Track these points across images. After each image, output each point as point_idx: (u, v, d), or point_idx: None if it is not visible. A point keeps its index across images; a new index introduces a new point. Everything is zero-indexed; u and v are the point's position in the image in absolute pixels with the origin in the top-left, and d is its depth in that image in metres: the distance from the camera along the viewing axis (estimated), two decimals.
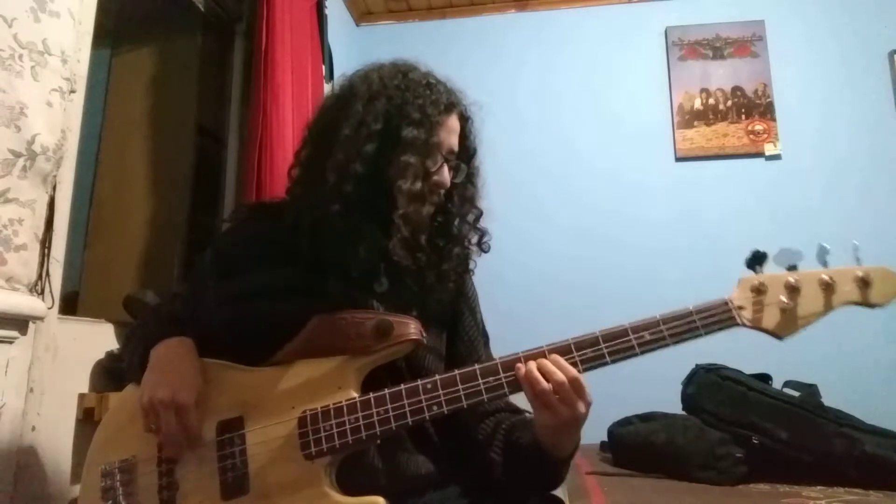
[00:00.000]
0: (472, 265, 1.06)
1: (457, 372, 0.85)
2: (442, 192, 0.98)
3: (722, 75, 3.04)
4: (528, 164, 3.05)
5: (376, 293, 0.93)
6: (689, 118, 3.03)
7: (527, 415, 0.95)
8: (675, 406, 1.91)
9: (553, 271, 2.94)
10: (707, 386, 1.81)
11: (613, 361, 0.84)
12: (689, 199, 2.94)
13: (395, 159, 0.92)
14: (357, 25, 3.38)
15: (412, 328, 0.87)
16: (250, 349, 0.90)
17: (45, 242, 1.24)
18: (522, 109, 3.10)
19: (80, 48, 1.37)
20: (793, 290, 0.85)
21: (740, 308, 0.86)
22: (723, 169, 2.96)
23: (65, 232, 1.35)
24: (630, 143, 3.04)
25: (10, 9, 1.13)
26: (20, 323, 1.21)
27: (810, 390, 1.77)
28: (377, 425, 0.83)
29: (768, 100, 2.98)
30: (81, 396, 1.42)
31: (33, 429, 1.24)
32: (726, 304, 0.86)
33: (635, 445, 1.83)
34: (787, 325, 0.85)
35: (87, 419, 1.38)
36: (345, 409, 0.84)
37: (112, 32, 2.13)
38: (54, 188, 1.27)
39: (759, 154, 2.94)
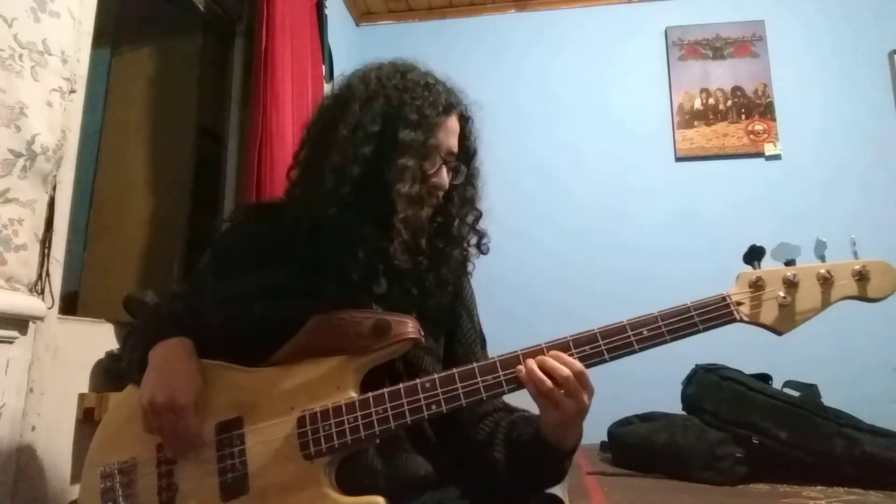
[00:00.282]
0: (470, 267, 1.06)
1: (455, 371, 0.85)
2: (440, 193, 0.97)
3: (722, 75, 3.04)
4: (527, 163, 3.05)
5: (375, 295, 0.93)
6: (689, 118, 3.03)
7: (525, 413, 0.95)
8: (675, 406, 1.91)
9: (552, 270, 2.94)
10: (707, 386, 1.81)
11: (612, 358, 0.84)
12: (688, 199, 2.94)
13: (393, 162, 0.91)
14: (357, 25, 3.39)
15: (410, 327, 0.87)
16: (249, 349, 0.90)
17: (45, 242, 1.24)
18: (522, 109, 3.10)
19: (80, 48, 1.37)
20: (791, 285, 0.85)
21: (738, 304, 0.86)
22: (723, 169, 2.96)
23: (65, 232, 1.35)
24: (630, 142, 3.04)
25: (10, 9, 1.13)
26: (20, 323, 1.21)
27: (810, 390, 1.77)
28: (376, 425, 0.83)
29: (768, 100, 2.98)
30: (81, 396, 1.42)
31: (33, 429, 1.24)
32: (724, 299, 0.86)
33: (635, 445, 1.83)
34: (786, 320, 0.85)
35: (87, 419, 1.38)
36: (344, 408, 0.84)
37: (112, 32, 2.13)
38: (54, 188, 1.27)
39: (759, 154, 2.94)
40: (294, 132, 2.15)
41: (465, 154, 1.02)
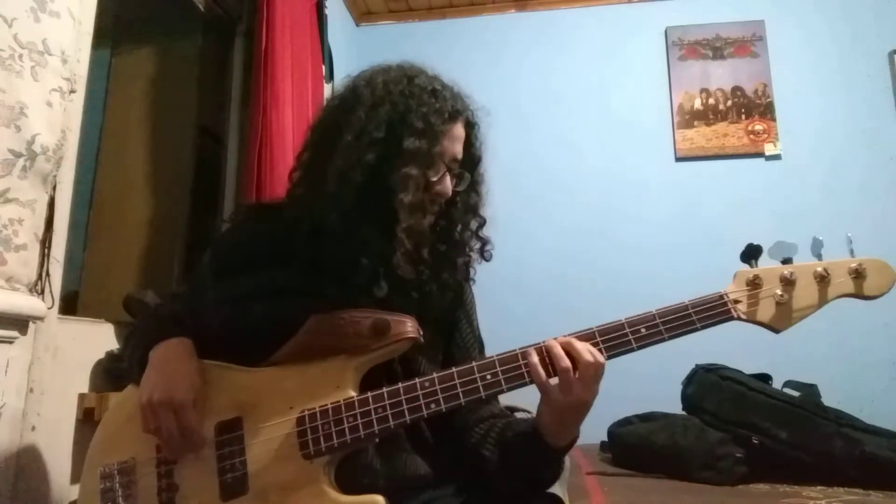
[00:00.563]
0: (472, 273, 1.05)
1: (454, 369, 0.85)
2: (443, 201, 0.97)
3: (722, 75, 3.04)
4: (528, 163, 3.05)
5: (376, 298, 0.93)
6: (689, 118, 3.03)
7: (523, 414, 0.95)
8: (675, 406, 1.91)
9: (552, 270, 2.94)
10: (707, 386, 1.81)
11: (610, 357, 0.84)
12: (689, 199, 2.94)
13: (397, 169, 0.90)
14: (357, 25, 3.39)
15: (409, 326, 0.87)
16: (249, 349, 0.90)
17: (45, 242, 1.24)
18: (523, 109, 3.10)
19: (80, 48, 1.37)
20: (788, 283, 0.85)
21: (736, 301, 0.86)
22: (723, 169, 2.96)
23: (65, 232, 1.35)
24: (630, 142, 3.04)
25: (10, 9, 1.13)
26: (20, 323, 1.21)
27: (810, 390, 1.77)
28: (375, 424, 0.83)
29: (768, 100, 2.98)
30: (81, 396, 1.42)
31: (33, 429, 1.24)
32: (722, 297, 0.86)
33: (635, 445, 1.83)
34: (783, 317, 0.85)
35: (87, 419, 1.38)
36: (343, 408, 0.84)
37: (112, 32, 2.13)
38: (54, 188, 1.27)
39: (759, 154, 2.94)
40: (294, 132, 2.15)
41: (470, 160, 1.01)
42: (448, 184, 0.96)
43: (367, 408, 0.84)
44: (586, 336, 0.85)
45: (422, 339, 0.88)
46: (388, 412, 0.83)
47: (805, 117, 2.94)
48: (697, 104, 3.04)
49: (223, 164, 2.33)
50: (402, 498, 0.86)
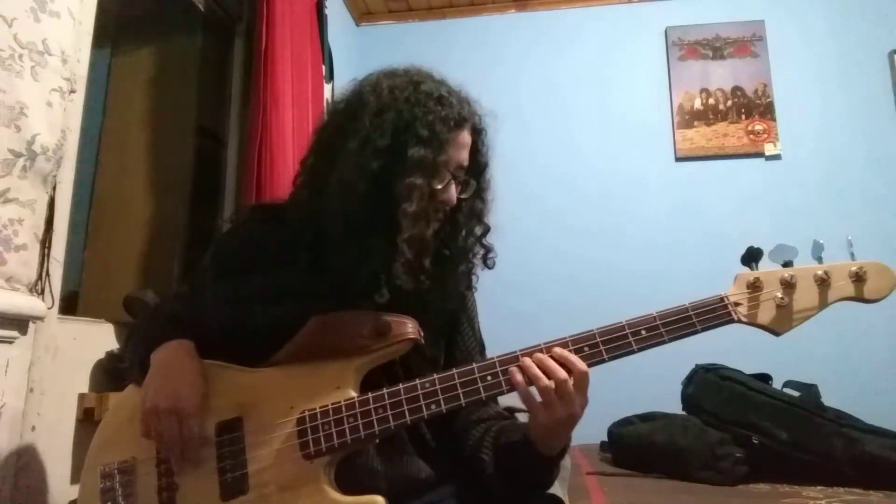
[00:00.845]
0: (474, 280, 1.04)
1: (455, 371, 0.85)
2: (447, 208, 0.95)
3: (722, 75, 3.04)
4: (528, 162, 3.05)
5: (377, 304, 0.91)
6: (689, 118, 3.03)
7: (522, 415, 0.95)
8: (675, 406, 1.91)
9: (553, 269, 2.94)
10: (707, 386, 1.81)
11: (611, 359, 0.84)
12: (689, 199, 2.94)
13: (401, 178, 0.89)
14: (357, 25, 3.39)
15: (410, 327, 0.87)
16: (249, 350, 0.90)
17: (45, 242, 1.24)
18: (522, 109, 3.10)
19: (80, 48, 1.37)
20: (788, 286, 0.86)
21: (736, 304, 0.86)
22: (723, 169, 2.96)
23: (65, 232, 1.35)
24: (630, 142, 3.04)
25: (10, 9, 1.13)
26: (20, 323, 1.21)
27: (810, 390, 1.77)
28: (376, 425, 0.83)
29: (768, 100, 2.98)
30: (81, 396, 1.42)
31: (33, 429, 1.25)
32: (722, 300, 0.86)
33: (635, 445, 1.82)
34: (784, 320, 0.86)
35: (87, 419, 1.38)
36: (343, 409, 0.84)
37: (112, 32, 2.13)
38: (54, 188, 1.27)
39: (759, 154, 2.94)
40: (294, 132, 2.15)
41: (476, 167, 1.00)
42: (453, 192, 0.94)
43: (368, 408, 0.84)
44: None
45: (422, 341, 0.89)
46: (389, 413, 0.83)
47: (805, 117, 2.93)
48: (697, 104, 3.04)
49: (223, 164, 2.33)
50: (402, 499, 0.86)
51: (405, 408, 0.83)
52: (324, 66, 2.54)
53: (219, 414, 0.88)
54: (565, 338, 0.85)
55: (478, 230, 1.01)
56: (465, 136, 0.96)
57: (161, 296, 1.65)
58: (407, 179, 0.88)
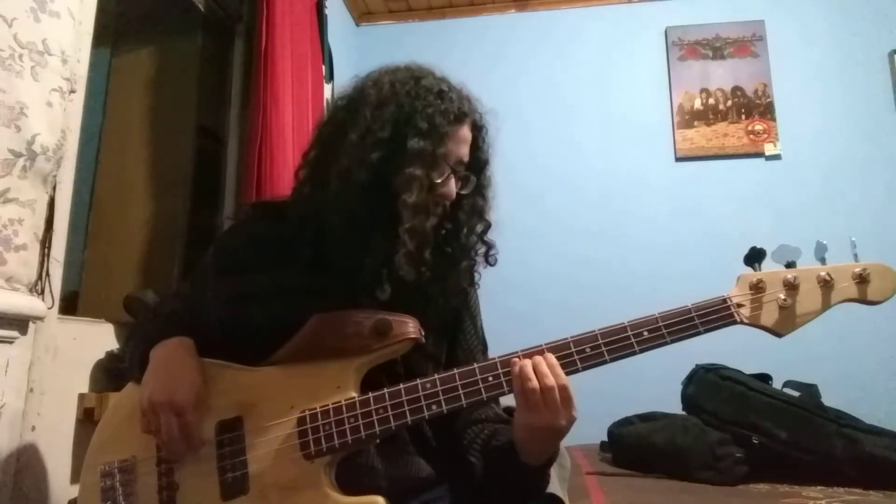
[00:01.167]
0: (476, 277, 1.05)
1: (456, 371, 0.85)
2: (447, 203, 0.96)
3: (722, 75, 3.04)
4: (529, 162, 3.05)
5: (379, 300, 0.92)
6: (689, 118, 3.03)
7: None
8: (675, 406, 1.91)
9: (554, 269, 2.94)
10: (707, 386, 1.81)
11: (612, 360, 0.84)
12: (689, 200, 2.94)
13: (401, 170, 0.90)
14: (357, 25, 3.39)
15: (411, 327, 0.87)
16: (249, 348, 0.90)
17: (45, 242, 1.24)
18: (523, 109, 3.10)
19: (80, 48, 1.37)
20: (791, 288, 0.85)
21: (739, 306, 0.86)
22: (723, 169, 2.96)
23: (65, 232, 1.35)
24: (630, 142, 3.04)
25: (10, 9, 1.13)
26: (20, 323, 1.21)
27: (810, 390, 1.76)
28: (376, 425, 0.83)
29: (768, 100, 2.98)
30: (81, 396, 1.42)
31: (33, 429, 1.25)
32: (725, 301, 0.86)
33: (635, 445, 1.82)
34: (786, 322, 0.85)
35: (87, 419, 1.38)
36: (344, 408, 0.84)
37: (112, 32, 2.13)
38: (54, 188, 1.27)
39: (759, 154, 2.94)
40: (294, 132, 2.15)
41: (476, 164, 1.00)
42: (452, 186, 0.95)
43: (369, 408, 0.84)
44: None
45: (423, 340, 0.88)
46: (390, 413, 0.83)
47: (805, 117, 2.93)
48: (697, 104, 3.04)
49: (223, 164, 2.33)
50: (403, 499, 0.86)
51: (406, 408, 0.83)
52: (324, 66, 2.53)
53: (219, 413, 0.88)
54: (567, 338, 0.85)
55: (479, 227, 1.02)
56: (465, 132, 0.96)
57: (161, 296, 1.65)
58: (406, 170, 0.89)
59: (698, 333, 0.85)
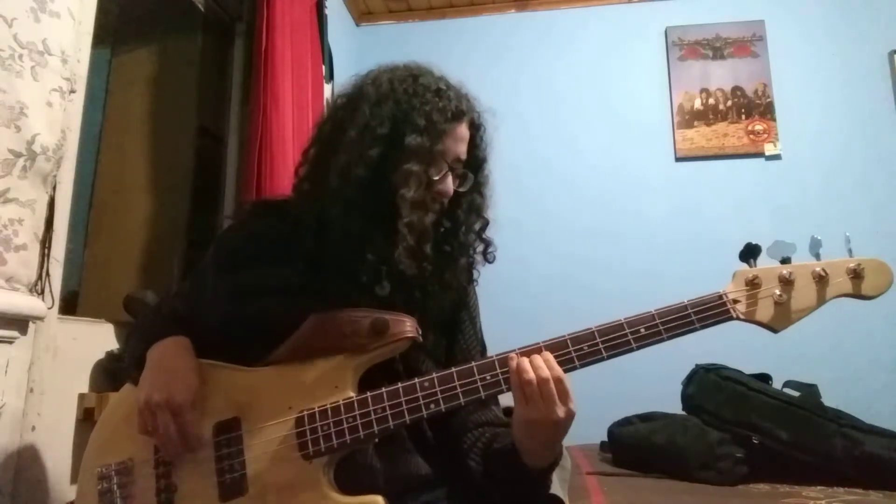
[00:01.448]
0: (475, 275, 1.06)
1: (454, 370, 0.85)
2: (445, 200, 0.97)
3: (722, 75, 3.04)
4: (529, 162, 3.05)
5: (378, 297, 0.92)
6: (689, 118, 3.03)
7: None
8: (675, 406, 1.91)
9: (553, 269, 2.94)
10: (707, 386, 1.81)
11: (609, 357, 0.84)
12: (689, 199, 2.94)
13: (399, 166, 0.91)
14: (357, 25, 3.39)
15: (408, 326, 0.87)
16: (249, 347, 0.90)
17: (45, 242, 1.24)
18: (523, 109, 3.10)
19: (80, 48, 1.37)
20: (786, 283, 0.86)
21: (735, 301, 0.86)
22: (723, 169, 2.95)
23: (65, 232, 1.35)
24: (630, 142, 3.04)
25: (10, 9, 1.13)
26: (20, 323, 1.21)
27: (810, 390, 1.76)
28: (375, 424, 0.83)
29: (768, 100, 2.98)
30: (81, 396, 1.42)
31: (33, 429, 1.25)
32: (721, 297, 0.86)
33: (635, 445, 1.82)
34: (782, 317, 0.86)
35: (87, 419, 1.38)
36: (342, 408, 0.84)
37: (112, 32, 2.13)
38: (54, 188, 1.27)
39: (759, 154, 2.94)
40: (294, 132, 2.15)
41: (474, 162, 1.02)
42: (450, 183, 0.96)
43: (367, 408, 0.84)
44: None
45: (421, 339, 0.88)
46: (388, 412, 0.83)
47: (805, 117, 2.93)
48: (697, 104, 3.03)
49: (223, 164, 2.33)
50: (402, 498, 0.86)
51: (404, 407, 0.83)
52: (324, 66, 2.54)
53: (216, 414, 0.88)
54: (564, 336, 0.85)
55: (477, 225, 1.03)
56: (463, 130, 0.97)
57: (161, 296, 1.65)
58: (404, 166, 0.90)
59: (694, 330, 0.85)
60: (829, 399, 1.74)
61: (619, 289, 2.77)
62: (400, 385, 0.85)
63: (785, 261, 0.87)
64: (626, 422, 1.96)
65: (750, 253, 0.88)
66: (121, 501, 0.87)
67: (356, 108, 0.95)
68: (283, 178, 1.99)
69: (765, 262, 0.88)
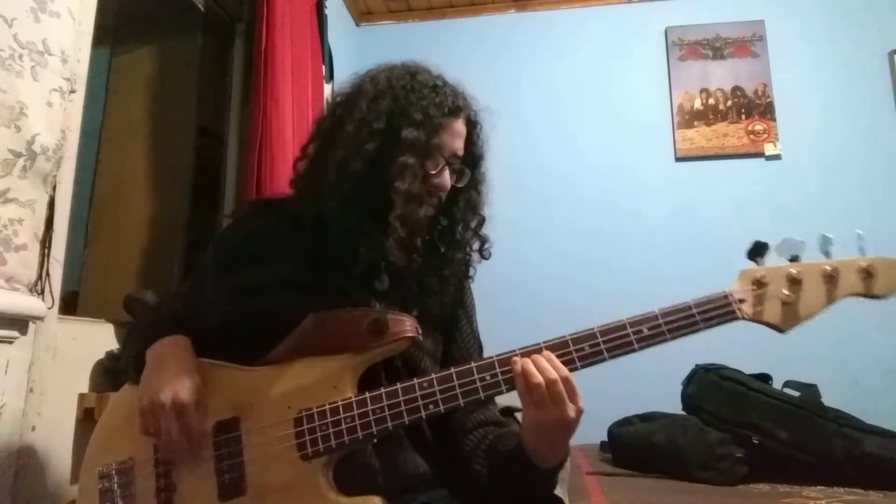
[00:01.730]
0: (472, 272, 1.06)
1: (453, 370, 0.85)
2: (442, 195, 0.98)
3: (722, 75, 3.04)
4: (529, 162, 3.05)
5: (376, 291, 0.93)
6: (689, 118, 3.03)
7: (514, 425, 0.94)
8: (675, 406, 1.91)
9: (553, 269, 2.94)
10: (707, 386, 1.81)
11: (611, 357, 0.83)
12: (689, 199, 2.94)
13: (395, 159, 0.92)
14: (357, 25, 3.39)
15: (408, 325, 0.87)
16: (249, 345, 0.90)
17: (45, 242, 1.24)
18: (523, 109, 3.10)
19: (80, 48, 1.37)
20: (795, 283, 0.83)
21: (741, 301, 0.84)
22: (723, 169, 2.95)
23: (65, 232, 1.35)
24: (630, 142, 3.04)
25: (10, 9, 1.13)
26: (20, 323, 1.21)
27: (810, 390, 1.76)
28: (374, 424, 0.83)
29: (768, 100, 2.98)
30: (81, 396, 1.42)
31: (33, 429, 1.24)
32: (726, 297, 0.84)
33: (635, 445, 1.82)
34: (789, 318, 0.83)
35: (87, 419, 1.38)
36: (341, 408, 0.84)
37: (112, 32, 2.13)
38: (54, 188, 1.27)
39: (759, 154, 2.94)
40: (294, 132, 2.15)
41: (471, 158, 1.03)
42: (447, 178, 0.96)
43: (366, 409, 0.83)
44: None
45: (420, 338, 0.88)
46: (387, 413, 0.83)
47: (805, 117, 2.93)
48: (697, 104, 3.03)
49: (223, 164, 2.33)
50: (400, 497, 0.86)
51: (403, 408, 0.83)
52: (324, 66, 2.54)
53: (216, 414, 0.88)
54: (564, 336, 0.84)
55: (473, 222, 1.03)
56: (460, 125, 0.98)
57: (161, 296, 1.65)
58: (400, 159, 0.91)
59: (699, 330, 0.83)
60: (829, 399, 1.74)
61: (619, 289, 2.77)
62: (399, 385, 0.84)
63: (794, 259, 0.84)
64: (626, 422, 1.96)
65: (757, 251, 0.85)
66: (121, 500, 0.87)
67: (354, 105, 0.96)
68: (283, 177, 1.98)
69: (771, 261, 0.85)
